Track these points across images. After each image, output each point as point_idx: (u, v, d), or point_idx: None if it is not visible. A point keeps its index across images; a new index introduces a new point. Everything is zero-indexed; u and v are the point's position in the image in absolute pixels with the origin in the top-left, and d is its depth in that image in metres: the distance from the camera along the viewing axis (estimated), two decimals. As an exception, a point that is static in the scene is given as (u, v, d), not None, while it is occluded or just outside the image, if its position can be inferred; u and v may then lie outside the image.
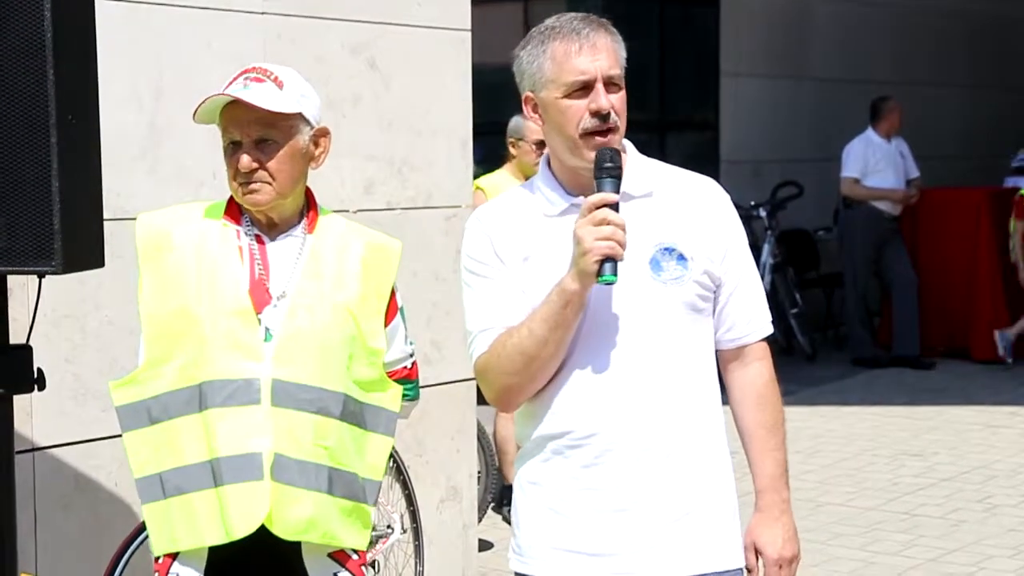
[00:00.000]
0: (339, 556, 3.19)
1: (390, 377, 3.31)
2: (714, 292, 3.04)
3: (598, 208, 2.83)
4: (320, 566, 3.17)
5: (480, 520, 6.43)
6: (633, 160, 3.03)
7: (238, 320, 3.10)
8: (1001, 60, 14.80)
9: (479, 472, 6.40)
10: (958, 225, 11.45)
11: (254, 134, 3.11)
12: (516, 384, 2.99)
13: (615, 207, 2.84)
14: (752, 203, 10.99)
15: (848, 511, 7.25)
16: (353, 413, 3.18)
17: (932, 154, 11.97)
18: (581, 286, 2.84)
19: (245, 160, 3.09)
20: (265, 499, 3.07)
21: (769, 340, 3.14)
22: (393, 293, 3.28)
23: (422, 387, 5.85)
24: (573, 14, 3.00)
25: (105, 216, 3.75)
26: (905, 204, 11.32)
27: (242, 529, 3.08)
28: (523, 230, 3.02)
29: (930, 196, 11.48)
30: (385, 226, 5.63)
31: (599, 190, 2.87)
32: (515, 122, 6.76)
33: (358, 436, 3.20)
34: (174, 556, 3.17)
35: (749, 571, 3.05)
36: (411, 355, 3.40)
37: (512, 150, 6.82)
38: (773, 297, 10.61)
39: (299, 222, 3.22)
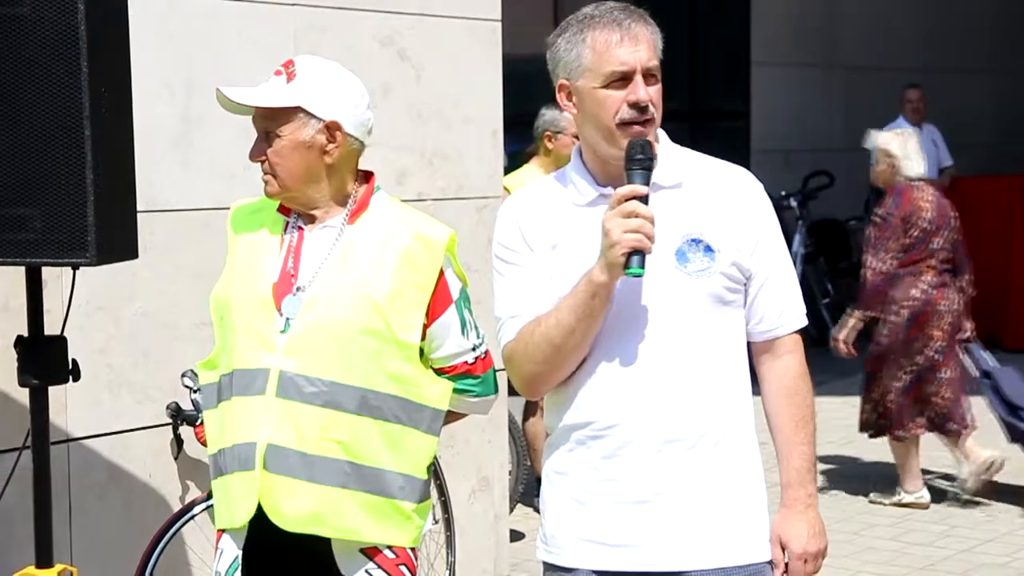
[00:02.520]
0: (371, 552, 3.19)
1: (448, 372, 3.28)
2: (744, 284, 3.03)
3: (627, 200, 2.84)
4: (350, 560, 3.17)
5: (511, 511, 6.45)
6: (665, 150, 3.03)
7: (259, 310, 3.16)
8: None
9: (510, 463, 6.41)
10: (992, 214, 11.42)
11: (259, 127, 3.19)
12: (542, 372, 3.01)
13: (645, 200, 2.85)
14: (783, 193, 10.97)
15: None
16: (378, 408, 3.16)
17: (967, 142, 11.92)
18: (609, 278, 2.85)
19: (250, 152, 3.20)
20: (254, 489, 3.11)
21: (801, 331, 3.12)
22: (444, 285, 3.23)
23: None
24: (612, 3, 3.00)
25: (138, 208, 3.80)
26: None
27: (239, 518, 3.15)
28: (552, 218, 3.04)
29: (964, 185, 11.44)
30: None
31: (629, 182, 2.87)
32: (552, 115, 6.70)
33: (389, 432, 3.18)
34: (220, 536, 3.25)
35: (775, 565, 3.05)
36: (474, 348, 3.31)
37: (548, 143, 6.77)
38: (804, 287, 10.55)
39: (339, 212, 3.23)
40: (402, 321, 3.15)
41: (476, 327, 3.32)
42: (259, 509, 3.12)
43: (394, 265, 3.17)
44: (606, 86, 2.94)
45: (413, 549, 3.26)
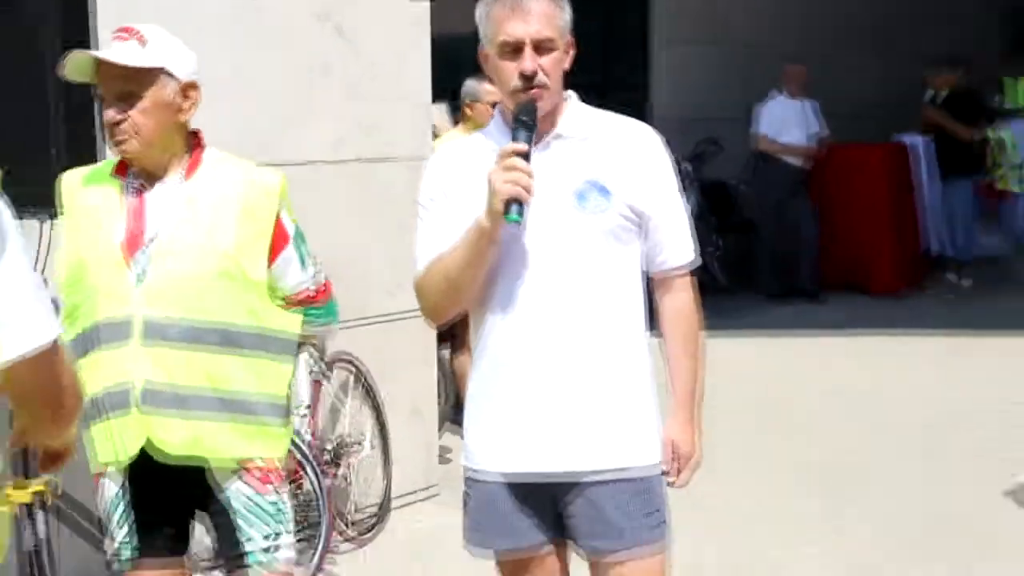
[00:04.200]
0: (244, 468, 3.19)
1: (294, 303, 3.25)
2: (639, 224, 3.05)
3: (509, 156, 2.85)
4: (224, 476, 3.18)
5: (440, 435, 6.49)
6: (573, 107, 3.06)
7: (111, 268, 3.07)
8: (912, 28, 14.65)
9: (440, 394, 6.44)
10: (863, 176, 11.56)
11: (116, 88, 3.04)
12: (442, 302, 3.07)
13: (526, 156, 2.86)
14: (678, 158, 10.94)
15: (769, 447, 7.35)
16: (238, 341, 3.12)
17: (844, 113, 11.95)
18: (491, 224, 2.87)
19: (109, 113, 3.04)
20: (136, 428, 3.07)
21: (693, 275, 3.17)
22: (280, 226, 3.18)
23: (387, 320, 5.95)
24: None
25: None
26: (813, 158, 11.40)
27: (124, 454, 3.09)
28: (472, 164, 3.04)
29: (837, 151, 11.56)
30: (353, 177, 5.67)
31: (514, 140, 2.89)
32: (470, 85, 6.68)
33: (250, 362, 3.15)
34: (104, 472, 3.21)
35: (664, 462, 3.12)
36: (314, 277, 3.29)
37: (468, 111, 6.75)
38: (703, 242, 10.64)
39: (177, 169, 3.14)
40: (251, 262, 3.12)
41: (313, 261, 3.29)
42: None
43: (236, 213, 3.11)
44: (501, 56, 2.93)
45: (279, 463, 3.27)
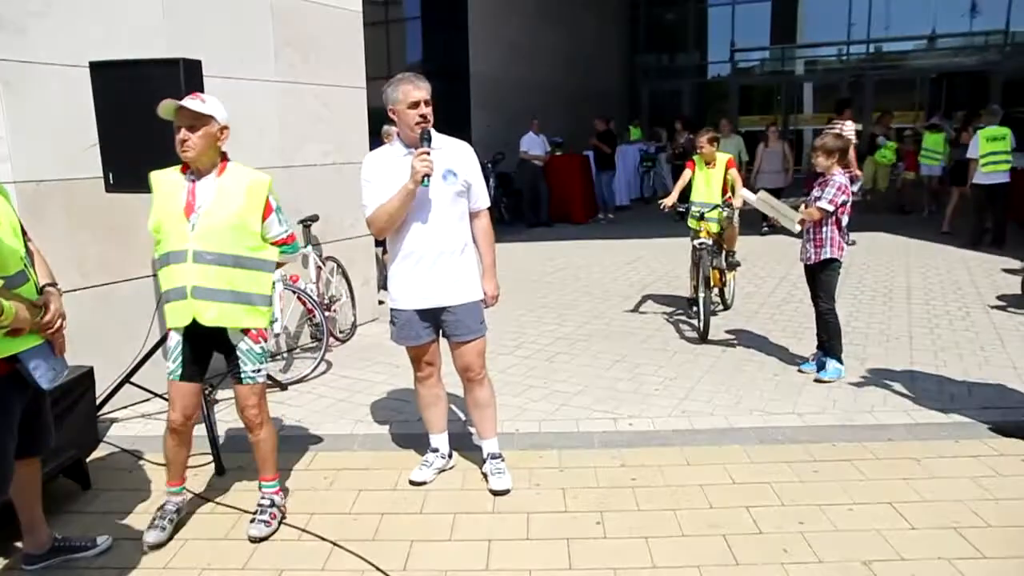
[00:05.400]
0: (246, 331, 2.83)
1: (275, 243, 2.85)
2: (467, 188, 3.00)
3: (422, 153, 2.82)
4: (235, 335, 2.83)
5: (379, 292, 6.46)
6: (436, 135, 2.98)
7: (178, 223, 2.74)
8: (588, 101, 14.70)
9: (377, 271, 6.42)
10: (567, 168, 11.55)
11: (186, 122, 2.72)
12: (384, 226, 2.91)
13: (429, 154, 2.84)
14: (485, 161, 10.94)
15: (528, 295, 6.88)
16: (243, 263, 2.75)
17: (558, 141, 12.08)
18: (413, 187, 2.82)
19: (181, 134, 2.72)
20: (188, 309, 2.76)
21: (490, 212, 3.10)
22: (268, 204, 2.79)
23: (352, 239, 5.86)
24: (411, 73, 2.87)
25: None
26: (545, 162, 11.47)
27: (182, 322, 2.77)
28: (389, 162, 2.93)
29: (556, 159, 11.59)
30: (334, 172, 5.54)
31: (420, 147, 2.84)
32: (386, 128, 6.58)
33: (248, 273, 2.78)
34: (170, 331, 2.88)
35: (484, 301, 3.09)
36: (286, 230, 2.85)
37: (385, 139, 6.64)
38: (496, 200, 10.72)
39: (214, 171, 2.79)
40: (250, 221, 2.77)
41: (287, 221, 2.86)
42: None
43: (244, 196, 2.77)
44: (408, 108, 2.86)
45: (265, 330, 2.86)
